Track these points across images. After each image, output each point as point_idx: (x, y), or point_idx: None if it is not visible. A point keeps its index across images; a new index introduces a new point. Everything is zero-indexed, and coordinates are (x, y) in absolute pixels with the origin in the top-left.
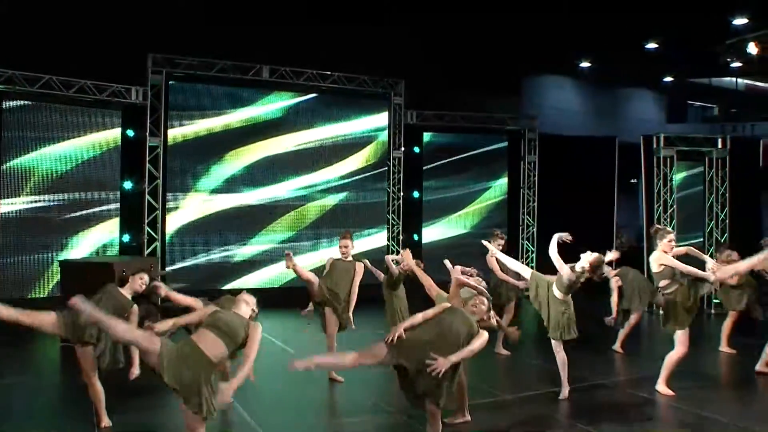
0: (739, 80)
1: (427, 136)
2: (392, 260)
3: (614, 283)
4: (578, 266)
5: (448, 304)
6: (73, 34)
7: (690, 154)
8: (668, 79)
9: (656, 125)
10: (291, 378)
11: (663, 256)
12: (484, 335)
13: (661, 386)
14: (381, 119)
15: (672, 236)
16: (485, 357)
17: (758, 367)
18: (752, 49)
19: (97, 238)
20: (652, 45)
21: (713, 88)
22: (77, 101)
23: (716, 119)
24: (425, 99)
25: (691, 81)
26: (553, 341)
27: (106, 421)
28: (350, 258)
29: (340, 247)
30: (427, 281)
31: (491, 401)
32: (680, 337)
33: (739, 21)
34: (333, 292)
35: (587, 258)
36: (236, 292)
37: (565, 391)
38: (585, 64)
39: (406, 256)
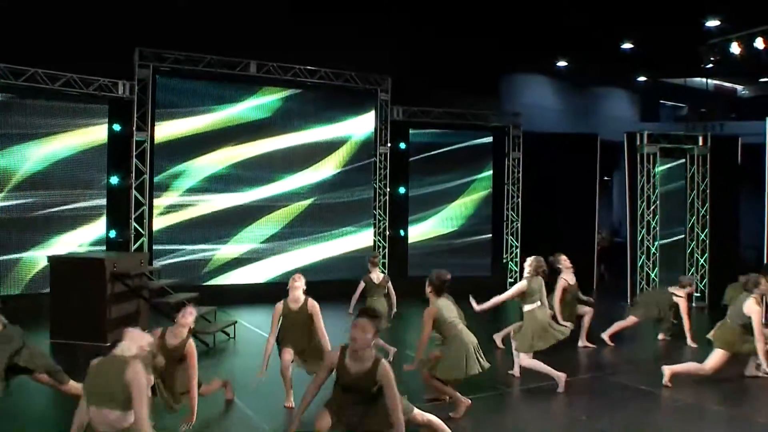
0: (709, 80)
1: (413, 134)
2: None
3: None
4: (525, 273)
5: None
6: (59, 26)
7: (672, 151)
8: (642, 78)
9: (630, 124)
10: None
11: (755, 308)
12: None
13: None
14: (367, 115)
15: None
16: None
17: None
18: (735, 48)
19: (82, 234)
20: (627, 45)
21: (684, 87)
22: (63, 95)
23: (686, 118)
24: (411, 96)
25: (663, 81)
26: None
27: None
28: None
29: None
30: None
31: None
32: (720, 356)
33: (712, 23)
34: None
35: (528, 262)
36: (222, 288)
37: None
38: (562, 64)
39: None
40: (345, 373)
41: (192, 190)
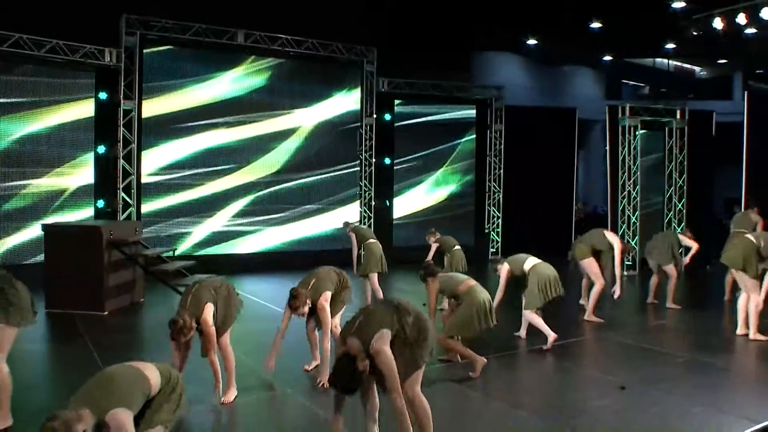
0: (670, 62)
1: (398, 105)
2: None
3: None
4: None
5: None
6: None
7: (651, 124)
8: (607, 58)
9: (596, 101)
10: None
11: None
12: None
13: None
14: (353, 86)
15: None
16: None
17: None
18: (718, 24)
19: (70, 204)
20: (596, 25)
21: (646, 68)
22: (48, 62)
23: (647, 97)
24: (396, 68)
25: (626, 61)
26: None
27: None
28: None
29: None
30: None
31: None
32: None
33: (678, 4)
34: None
35: None
36: (216, 258)
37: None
38: (532, 42)
39: None
40: None
41: (179, 162)
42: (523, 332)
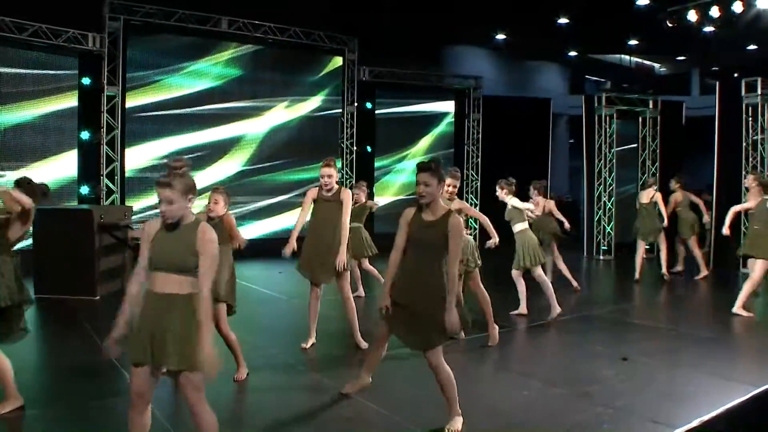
0: (631, 58)
1: (378, 94)
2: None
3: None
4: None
5: None
6: None
7: (626, 114)
8: (572, 53)
9: (561, 96)
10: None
11: None
12: None
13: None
14: (335, 75)
15: None
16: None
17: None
18: (692, 16)
19: (53, 190)
20: (563, 21)
21: (608, 64)
22: (31, 45)
23: (609, 92)
24: (377, 58)
25: (589, 57)
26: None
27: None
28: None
29: (322, 177)
30: None
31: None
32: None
33: (642, 1)
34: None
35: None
36: None
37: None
38: (500, 37)
39: None
40: (417, 226)
41: (162, 147)
42: (523, 308)
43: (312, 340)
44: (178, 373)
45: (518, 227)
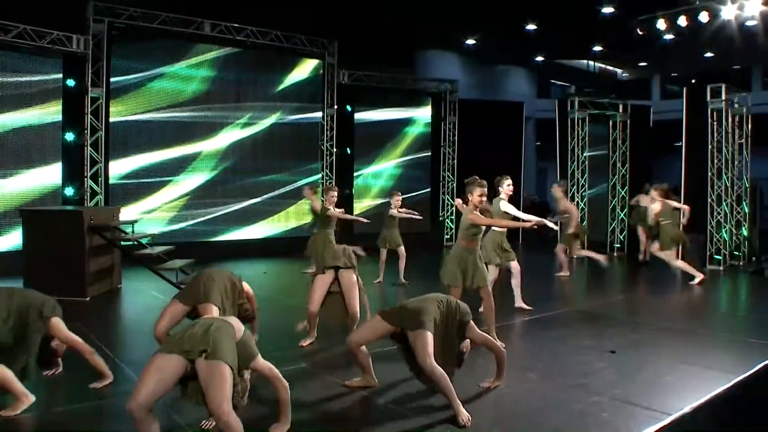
0: (596, 64)
1: (358, 97)
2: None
3: None
4: None
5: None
6: None
7: (598, 117)
8: (539, 59)
9: (529, 99)
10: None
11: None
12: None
13: None
14: (315, 78)
15: None
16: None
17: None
18: (661, 24)
19: (37, 192)
20: (531, 27)
21: (572, 68)
22: (15, 47)
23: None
24: (356, 61)
25: (555, 62)
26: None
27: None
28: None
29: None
30: None
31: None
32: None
33: (607, 9)
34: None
35: None
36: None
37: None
38: (471, 42)
39: None
40: None
41: (145, 157)
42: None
43: (311, 340)
44: None
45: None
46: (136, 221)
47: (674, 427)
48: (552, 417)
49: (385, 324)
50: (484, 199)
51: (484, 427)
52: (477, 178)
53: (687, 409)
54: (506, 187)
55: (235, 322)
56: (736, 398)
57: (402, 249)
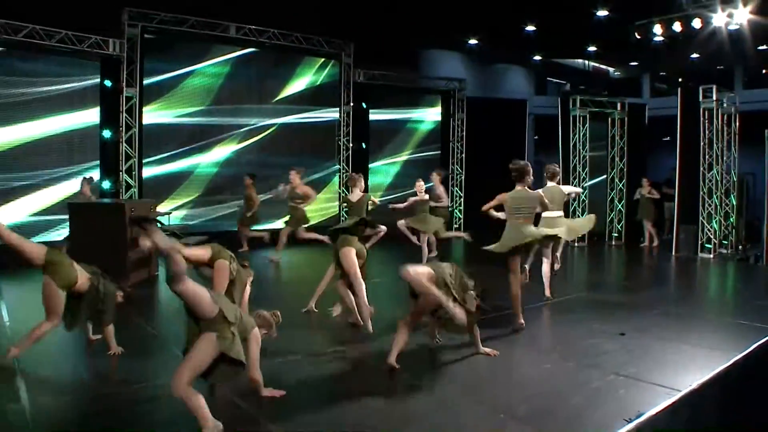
0: (590, 63)
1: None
2: None
3: None
4: None
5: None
6: None
7: (597, 115)
8: (537, 58)
9: (527, 96)
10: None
11: None
12: None
13: None
14: (333, 76)
15: None
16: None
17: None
18: (657, 29)
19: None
20: (530, 28)
21: (567, 67)
22: (59, 52)
23: (568, 94)
24: (371, 61)
25: (551, 61)
26: None
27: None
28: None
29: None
30: None
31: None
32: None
33: (602, 12)
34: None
35: None
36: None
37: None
38: (473, 42)
39: None
40: None
41: (177, 146)
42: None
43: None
44: None
45: None
46: (170, 212)
47: (684, 401)
48: (575, 394)
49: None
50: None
51: (515, 404)
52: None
53: (694, 385)
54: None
55: None
56: (736, 375)
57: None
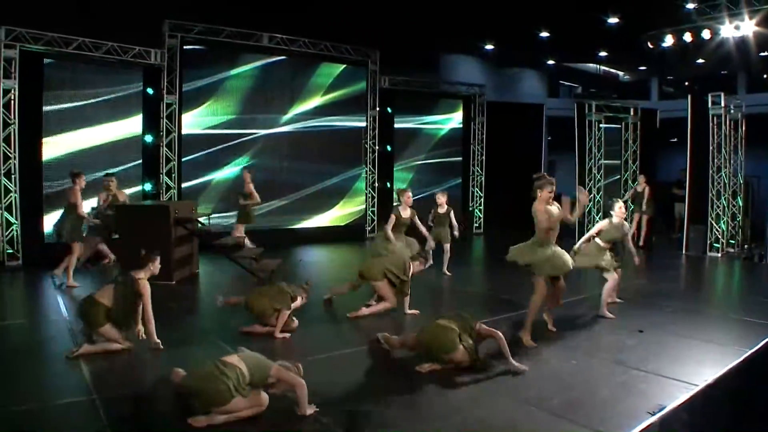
0: (600, 67)
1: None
2: None
3: None
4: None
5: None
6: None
7: (612, 119)
8: (550, 62)
9: (541, 99)
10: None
11: None
12: None
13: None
14: (359, 83)
15: None
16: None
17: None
18: (669, 39)
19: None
20: (544, 34)
21: (579, 71)
22: (105, 62)
23: (580, 96)
24: (395, 68)
25: (564, 65)
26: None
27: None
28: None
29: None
30: None
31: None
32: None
33: (613, 20)
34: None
35: None
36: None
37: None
38: (489, 47)
39: None
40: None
41: (213, 150)
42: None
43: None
44: None
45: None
46: (210, 213)
47: (702, 396)
48: (602, 388)
49: None
50: (552, 195)
51: (547, 397)
52: (546, 175)
53: (710, 380)
54: (618, 210)
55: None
56: (747, 370)
57: (448, 246)
